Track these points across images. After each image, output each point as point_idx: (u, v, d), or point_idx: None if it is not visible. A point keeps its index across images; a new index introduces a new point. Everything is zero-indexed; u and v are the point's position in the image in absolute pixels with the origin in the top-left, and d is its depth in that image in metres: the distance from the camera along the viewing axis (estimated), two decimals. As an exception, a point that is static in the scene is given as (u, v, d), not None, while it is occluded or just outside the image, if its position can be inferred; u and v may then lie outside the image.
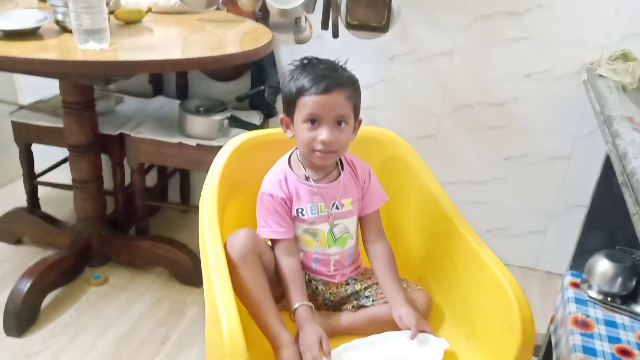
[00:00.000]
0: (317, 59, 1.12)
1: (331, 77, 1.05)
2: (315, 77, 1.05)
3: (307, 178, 1.14)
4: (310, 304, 1.08)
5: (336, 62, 1.12)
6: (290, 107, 1.10)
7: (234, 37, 1.71)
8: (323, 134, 1.05)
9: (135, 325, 1.67)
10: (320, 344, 1.01)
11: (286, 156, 1.18)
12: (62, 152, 2.04)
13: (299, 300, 1.07)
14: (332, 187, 1.15)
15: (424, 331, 1.07)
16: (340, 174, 1.17)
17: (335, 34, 1.72)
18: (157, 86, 2.18)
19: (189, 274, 1.85)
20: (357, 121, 1.13)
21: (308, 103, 1.05)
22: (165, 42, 1.63)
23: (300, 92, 1.06)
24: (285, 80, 1.10)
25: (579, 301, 1.37)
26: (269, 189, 1.13)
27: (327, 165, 1.14)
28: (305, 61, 1.11)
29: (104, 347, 1.58)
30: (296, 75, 1.08)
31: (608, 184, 1.41)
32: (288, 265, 1.10)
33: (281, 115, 1.14)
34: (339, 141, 1.07)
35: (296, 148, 1.17)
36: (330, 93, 1.04)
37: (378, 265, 1.18)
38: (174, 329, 1.67)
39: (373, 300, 1.15)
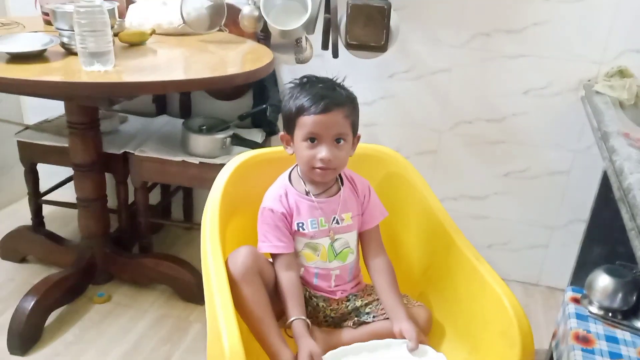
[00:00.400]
0: (316, 77, 1.14)
1: (329, 96, 1.08)
2: (314, 96, 1.07)
3: (307, 193, 1.16)
4: (306, 319, 1.09)
5: (335, 79, 1.14)
6: (290, 125, 1.12)
7: (236, 58, 1.74)
8: (322, 152, 1.08)
9: (139, 343, 1.68)
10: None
11: (287, 172, 1.21)
12: (67, 172, 2.06)
13: (294, 314, 1.08)
14: (332, 201, 1.17)
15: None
16: (340, 189, 1.19)
17: (335, 54, 1.75)
18: (160, 105, 2.21)
19: (192, 291, 1.86)
20: (356, 137, 1.16)
21: (307, 122, 1.07)
22: (168, 63, 1.66)
23: (300, 111, 1.08)
24: (285, 99, 1.13)
25: (579, 317, 1.38)
26: (270, 204, 1.15)
27: (327, 181, 1.16)
28: (305, 80, 1.13)
29: (108, 366, 1.59)
30: (295, 94, 1.11)
31: (607, 199, 1.42)
32: (287, 279, 1.12)
33: (281, 132, 1.16)
34: (338, 158, 1.10)
35: (297, 164, 1.19)
36: (329, 112, 1.06)
37: (379, 279, 1.19)
38: (177, 347, 1.68)
39: (374, 317, 1.17)
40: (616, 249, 1.44)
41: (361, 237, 1.23)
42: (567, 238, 2.00)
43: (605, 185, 1.43)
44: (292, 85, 1.14)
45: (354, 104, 1.13)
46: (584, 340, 1.29)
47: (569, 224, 2.00)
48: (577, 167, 1.93)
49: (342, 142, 1.10)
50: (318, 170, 1.10)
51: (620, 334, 1.32)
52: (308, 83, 1.12)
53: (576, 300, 1.44)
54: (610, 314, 1.36)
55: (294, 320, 1.07)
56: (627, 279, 1.36)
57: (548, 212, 2.02)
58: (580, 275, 1.49)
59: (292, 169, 1.20)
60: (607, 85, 1.67)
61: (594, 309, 1.38)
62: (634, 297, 1.35)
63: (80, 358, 1.60)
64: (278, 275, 1.12)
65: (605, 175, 1.41)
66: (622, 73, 1.72)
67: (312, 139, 1.08)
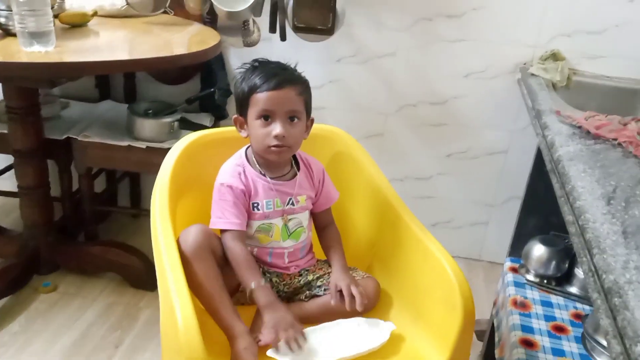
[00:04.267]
0: (267, 60, 1.15)
1: (282, 74, 1.09)
2: (267, 74, 1.09)
3: (263, 174, 1.17)
4: (268, 285, 1.10)
5: (287, 64, 1.16)
6: (243, 106, 1.12)
7: (182, 40, 1.73)
8: (276, 128, 1.08)
9: (88, 331, 1.66)
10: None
11: (243, 150, 1.20)
12: (6, 160, 1.99)
13: (256, 280, 1.07)
14: (288, 185, 1.18)
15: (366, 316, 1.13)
16: (296, 174, 1.20)
17: (283, 37, 1.77)
18: (103, 91, 2.16)
19: (141, 278, 1.84)
20: (309, 120, 1.18)
21: (260, 99, 1.08)
22: (111, 45, 1.63)
23: (253, 89, 1.09)
24: (237, 83, 1.14)
25: (517, 284, 1.46)
26: (228, 180, 1.14)
27: (281, 161, 1.17)
28: (256, 63, 1.14)
29: (56, 354, 1.55)
30: (248, 76, 1.11)
31: (540, 173, 1.51)
32: (239, 250, 1.10)
33: (235, 115, 1.16)
34: (292, 136, 1.10)
35: (250, 146, 1.19)
36: (282, 89, 1.07)
37: (324, 240, 1.25)
38: (127, 333, 1.66)
39: (325, 290, 1.19)
40: (549, 219, 1.53)
41: (314, 216, 1.26)
42: (505, 214, 2.10)
43: (539, 161, 1.52)
44: (244, 69, 1.15)
45: (306, 85, 1.15)
46: (521, 305, 1.37)
47: (507, 200, 2.11)
48: (513, 146, 2.03)
49: (295, 120, 1.10)
50: (273, 148, 1.09)
51: (554, 298, 1.41)
52: (260, 65, 1.13)
53: (514, 270, 1.52)
54: (545, 281, 1.45)
55: (257, 287, 1.06)
56: (560, 248, 1.45)
57: (488, 190, 2.12)
58: (517, 246, 1.58)
59: (248, 148, 1.20)
60: (541, 68, 1.77)
61: (530, 277, 1.47)
62: (566, 265, 1.45)
63: (28, 348, 1.57)
64: (227, 247, 1.11)
65: (539, 151, 1.50)
66: (555, 56, 1.83)
67: (266, 116, 1.08)
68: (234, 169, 1.16)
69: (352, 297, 1.10)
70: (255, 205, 1.16)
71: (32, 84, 1.55)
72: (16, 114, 1.65)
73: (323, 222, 1.27)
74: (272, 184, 1.16)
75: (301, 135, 1.14)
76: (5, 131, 1.72)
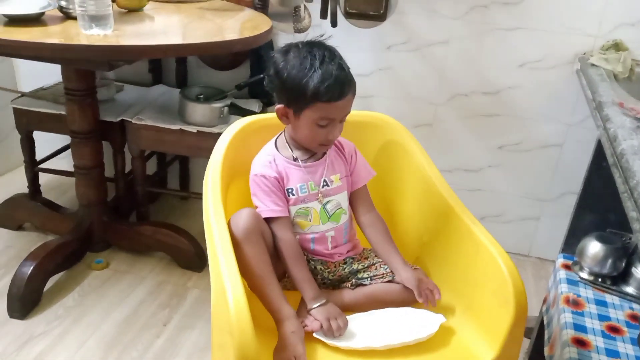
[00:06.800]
0: (317, 46, 1.10)
1: (343, 80, 1.08)
2: (334, 82, 1.05)
3: (294, 159, 1.18)
4: (324, 300, 1.10)
5: (334, 52, 1.11)
6: (299, 102, 1.09)
7: (234, 25, 1.74)
8: (335, 132, 1.12)
9: (138, 308, 1.71)
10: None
11: (272, 140, 1.22)
12: (63, 140, 2.06)
13: (311, 297, 1.10)
14: (319, 165, 1.19)
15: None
16: (325, 152, 1.21)
17: (334, 23, 1.75)
18: (156, 75, 2.20)
19: (189, 259, 1.88)
20: None
21: (324, 108, 1.08)
22: (166, 29, 1.66)
23: (316, 96, 1.06)
24: (290, 70, 1.08)
25: (570, 282, 1.42)
26: (261, 170, 1.16)
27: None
28: (311, 49, 1.09)
29: (108, 329, 1.61)
30: (304, 70, 1.06)
31: (599, 168, 1.45)
32: (285, 240, 1.13)
33: (279, 105, 1.13)
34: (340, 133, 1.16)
35: (282, 132, 1.21)
36: (344, 98, 1.09)
37: (371, 233, 1.22)
38: (176, 312, 1.71)
39: (372, 280, 1.19)
40: (607, 216, 1.47)
41: (351, 197, 1.25)
42: (557, 210, 2.04)
43: (598, 155, 1.46)
44: (296, 51, 1.10)
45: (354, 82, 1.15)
46: (574, 303, 1.33)
47: (561, 196, 2.04)
48: (570, 140, 1.96)
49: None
50: (322, 146, 1.16)
51: (609, 298, 1.36)
52: (317, 58, 1.07)
53: (567, 267, 1.48)
54: (599, 280, 1.40)
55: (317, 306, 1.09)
56: (617, 246, 1.39)
57: (540, 184, 2.05)
58: (571, 243, 1.53)
59: (278, 137, 1.22)
60: (603, 58, 1.70)
61: (584, 275, 1.42)
62: (623, 263, 1.39)
63: (81, 321, 1.63)
64: (277, 238, 1.13)
65: (599, 145, 1.44)
66: (617, 46, 1.75)
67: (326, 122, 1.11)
68: (264, 158, 1.18)
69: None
70: (290, 190, 1.17)
71: (91, 66, 1.59)
72: (74, 95, 1.70)
73: (361, 205, 1.24)
74: (303, 167, 1.18)
75: None
76: (63, 112, 1.77)
